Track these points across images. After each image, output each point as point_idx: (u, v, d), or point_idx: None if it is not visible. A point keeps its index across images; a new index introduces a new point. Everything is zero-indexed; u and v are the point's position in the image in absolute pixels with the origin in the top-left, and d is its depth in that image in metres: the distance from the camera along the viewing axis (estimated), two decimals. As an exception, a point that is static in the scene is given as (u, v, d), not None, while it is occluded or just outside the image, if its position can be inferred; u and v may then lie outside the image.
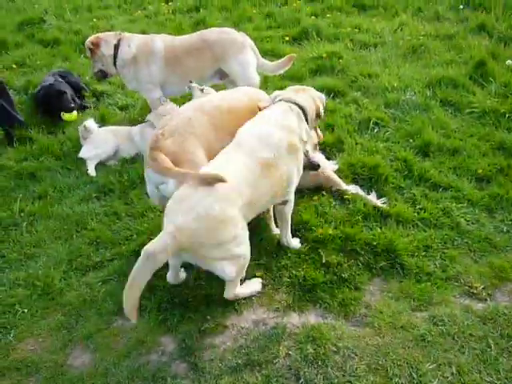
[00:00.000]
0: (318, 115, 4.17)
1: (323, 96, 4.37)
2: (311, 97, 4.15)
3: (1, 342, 3.57)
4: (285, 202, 3.94)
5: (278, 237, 4.17)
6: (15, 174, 5.38)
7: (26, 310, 3.79)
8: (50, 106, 6.29)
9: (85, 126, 5.57)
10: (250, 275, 3.86)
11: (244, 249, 3.49)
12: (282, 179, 3.72)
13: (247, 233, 3.50)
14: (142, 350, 3.43)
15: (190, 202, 3.24)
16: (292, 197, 3.97)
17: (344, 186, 4.68)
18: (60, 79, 6.55)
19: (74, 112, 6.31)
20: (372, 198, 4.54)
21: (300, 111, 3.95)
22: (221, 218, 3.25)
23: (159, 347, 3.45)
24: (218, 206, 3.24)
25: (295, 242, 4.14)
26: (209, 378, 3.21)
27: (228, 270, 3.42)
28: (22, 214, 4.74)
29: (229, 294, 3.62)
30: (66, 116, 6.25)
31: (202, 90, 5.18)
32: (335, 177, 4.71)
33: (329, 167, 4.79)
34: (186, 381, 3.22)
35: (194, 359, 3.33)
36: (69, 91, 6.39)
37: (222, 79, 6.15)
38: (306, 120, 3.99)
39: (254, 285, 3.81)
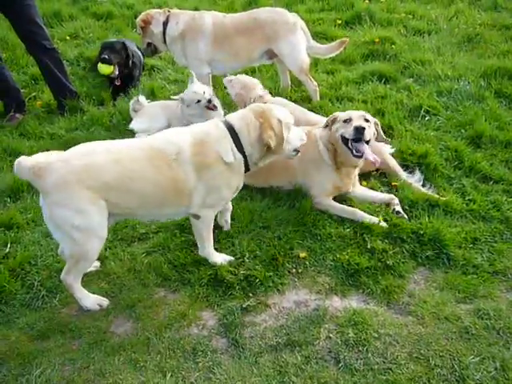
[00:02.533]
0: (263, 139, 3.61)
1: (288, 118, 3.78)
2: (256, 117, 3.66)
3: (47, 305, 3.64)
4: (196, 217, 3.73)
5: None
6: (65, 142, 5.45)
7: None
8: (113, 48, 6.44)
9: (138, 99, 5.63)
10: (294, 256, 3.88)
11: (85, 239, 3.36)
12: (176, 186, 3.50)
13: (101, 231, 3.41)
14: (183, 323, 3.46)
15: None
16: (204, 214, 3.70)
17: (402, 173, 4.61)
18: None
19: (111, 66, 6.33)
20: (426, 189, 4.45)
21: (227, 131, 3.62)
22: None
23: (200, 321, 3.48)
24: None
25: (218, 258, 3.85)
26: (248, 354, 3.23)
27: (63, 243, 3.52)
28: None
29: (62, 274, 3.52)
30: (102, 67, 6.30)
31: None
32: (394, 162, 4.65)
33: (386, 151, 4.71)
34: (226, 356, 3.24)
35: (234, 335, 3.35)
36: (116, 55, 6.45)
37: (272, 59, 6.12)
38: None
39: (93, 300, 3.61)
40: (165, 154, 3.46)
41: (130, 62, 6.55)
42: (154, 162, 3.44)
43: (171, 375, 3.12)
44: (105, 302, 3.61)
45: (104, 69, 6.31)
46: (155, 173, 3.44)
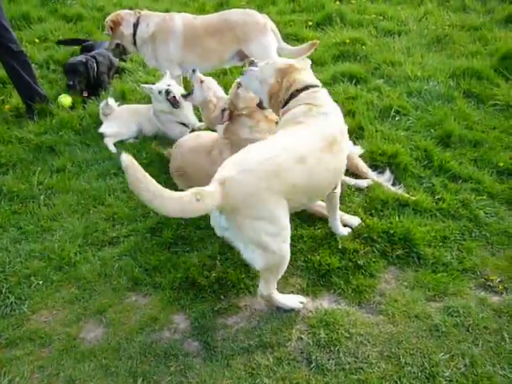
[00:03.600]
0: None
1: None
2: None
3: (15, 312, 3.60)
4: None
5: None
6: (35, 147, 5.41)
7: (40, 282, 3.81)
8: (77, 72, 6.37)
9: (107, 103, 5.58)
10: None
11: (281, 245, 3.22)
12: (341, 169, 3.68)
13: (289, 231, 3.28)
14: (155, 327, 3.44)
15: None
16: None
17: (370, 173, 4.64)
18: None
19: (70, 98, 6.27)
20: (396, 189, 4.48)
21: None
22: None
23: (172, 325, 3.47)
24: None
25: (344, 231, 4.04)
26: (220, 357, 3.22)
27: (257, 258, 3.22)
28: (40, 187, 4.76)
29: (261, 290, 3.40)
30: (61, 100, 6.20)
31: (201, 82, 5.13)
32: (362, 163, 4.68)
33: (355, 152, 4.75)
34: (198, 359, 3.23)
35: (206, 338, 3.34)
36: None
37: (242, 61, 6.12)
38: None
39: (294, 300, 3.56)
40: (336, 139, 3.42)
41: (94, 73, 6.46)
42: (333, 150, 3.37)
43: (143, 379, 3.10)
44: (302, 298, 3.57)
45: (64, 101, 6.20)
46: (334, 161, 3.42)
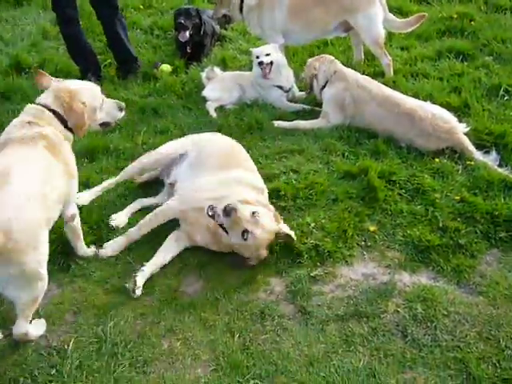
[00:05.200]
0: None
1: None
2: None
3: (121, 261, 3.77)
4: None
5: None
6: (139, 108, 5.61)
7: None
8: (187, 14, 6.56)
9: (212, 68, 5.71)
10: (363, 229, 3.87)
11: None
12: None
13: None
14: (252, 287, 3.52)
15: None
16: None
17: (474, 152, 4.49)
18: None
19: (170, 67, 6.44)
20: (503, 170, 4.30)
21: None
22: None
23: (268, 287, 3.54)
24: None
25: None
26: (315, 321, 3.26)
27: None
28: (145, 147, 4.93)
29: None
30: (162, 67, 6.41)
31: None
32: (466, 140, 4.53)
33: (460, 129, 4.60)
34: (293, 321, 3.29)
35: (301, 302, 3.38)
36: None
37: (346, 32, 6.04)
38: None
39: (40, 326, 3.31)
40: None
41: (202, 30, 6.61)
42: None
43: (239, 336, 3.19)
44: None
45: (165, 69, 6.40)
46: None
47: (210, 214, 3.53)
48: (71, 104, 3.40)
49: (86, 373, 3.00)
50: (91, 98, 3.58)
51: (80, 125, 3.47)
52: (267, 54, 5.38)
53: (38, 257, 3.02)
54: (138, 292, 3.47)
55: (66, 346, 3.17)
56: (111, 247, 3.80)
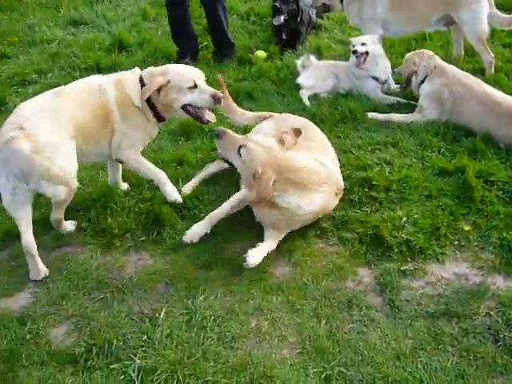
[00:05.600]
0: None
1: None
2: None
3: (212, 239, 3.86)
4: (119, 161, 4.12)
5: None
6: (234, 92, 5.66)
7: (234, 217, 4.04)
8: None
9: (308, 56, 5.73)
10: (457, 228, 3.79)
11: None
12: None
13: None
14: (339, 276, 3.52)
15: None
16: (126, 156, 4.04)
17: None
18: None
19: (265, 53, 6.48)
20: None
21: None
22: None
23: (356, 277, 3.53)
24: None
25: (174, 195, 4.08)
26: (404, 316, 3.22)
27: None
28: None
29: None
30: (257, 53, 6.46)
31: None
32: None
33: None
34: (380, 314, 3.26)
35: (390, 295, 3.35)
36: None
37: (447, 26, 5.88)
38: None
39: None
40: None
41: (299, 17, 6.61)
42: None
43: (326, 322, 3.20)
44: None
45: (260, 55, 6.47)
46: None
47: (220, 157, 3.90)
48: (153, 78, 3.87)
49: (175, 342, 3.10)
50: (177, 78, 3.90)
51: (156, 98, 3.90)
52: (363, 44, 5.33)
53: None
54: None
55: (157, 315, 3.29)
56: (195, 232, 3.83)
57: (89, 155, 3.89)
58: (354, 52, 5.34)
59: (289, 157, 3.68)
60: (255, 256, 3.51)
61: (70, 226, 4.01)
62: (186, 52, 6.35)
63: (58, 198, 3.61)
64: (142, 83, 3.91)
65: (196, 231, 3.83)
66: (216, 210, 3.91)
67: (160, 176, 4.06)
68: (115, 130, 3.89)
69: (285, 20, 6.50)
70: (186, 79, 3.89)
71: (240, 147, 3.59)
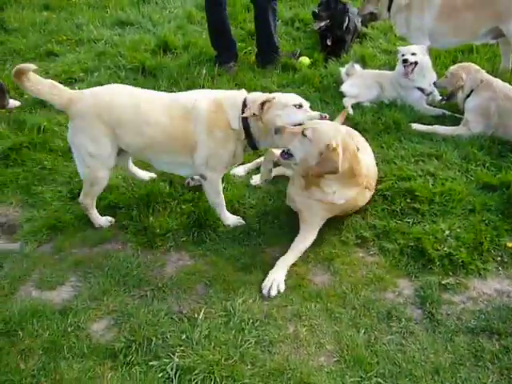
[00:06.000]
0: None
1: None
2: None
3: (251, 242, 3.90)
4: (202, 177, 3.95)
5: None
6: (277, 97, 5.71)
7: (275, 221, 4.07)
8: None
9: (353, 64, 5.72)
10: (500, 244, 3.75)
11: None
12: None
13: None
14: (379, 286, 3.51)
15: None
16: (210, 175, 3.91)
17: None
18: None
19: (309, 60, 6.49)
20: None
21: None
22: None
23: (396, 288, 3.50)
24: None
25: (232, 220, 4.06)
26: (443, 330, 3.19)
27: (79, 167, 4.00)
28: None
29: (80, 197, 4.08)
30: (302, 60, 6.47)
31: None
32: None
33: None
34: (420, 326, 3.23)
35: (430, 309, 3.32)
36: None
37: (496, 39, 5.80)
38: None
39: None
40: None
41: (345, 25, 6.60)
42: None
43: (364, 332, 3.19)
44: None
45: (304, 61, 6.47)
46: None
47: (283, 159, 3.83)
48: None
49: (213, 343, 3.12)
50: (284, 96, 3.84)
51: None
52: (413, 54, 5.30)
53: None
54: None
55: (196, 315, 3.32)
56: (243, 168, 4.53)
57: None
58: (405, 61, 5.29)
59: (353, 143, 3.78)
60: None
61: (104, 221, 4.11)
62: (226, 56, 6.39)
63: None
64: (244, 106, 3.77)
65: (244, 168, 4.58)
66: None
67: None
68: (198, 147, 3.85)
69: (326, 26, 6.50)
70: (293, 98, 3.82)
71: (304, 130, 3.60)
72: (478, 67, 5.11)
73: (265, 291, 3.47)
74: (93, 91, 3.95)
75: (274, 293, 3.45)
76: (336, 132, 3.63)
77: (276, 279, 3.51)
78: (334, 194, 3.73)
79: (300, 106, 3.77)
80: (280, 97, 3.78)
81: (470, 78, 4.97)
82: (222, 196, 4.03)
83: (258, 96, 3.83)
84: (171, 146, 3.83)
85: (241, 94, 3.89)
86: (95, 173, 3.88)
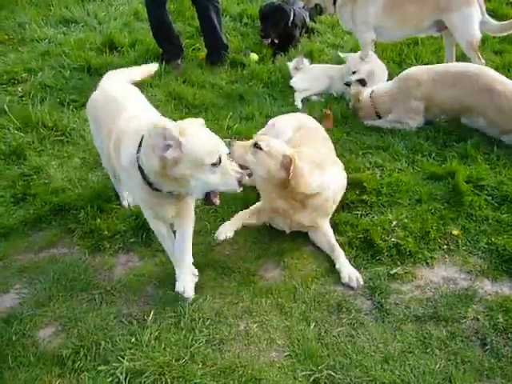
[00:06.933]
0: None
1: None
2: None
3: (203, 240, 3.86)
4: None
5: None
6: (226, 94, 5.70)
7: (224, 218, 4.04)
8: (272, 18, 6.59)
9: (301, 59, 5.75)
10: (446, 232, 3.81)
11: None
12: None
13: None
14: (330, 279, 3.53)
15: None
16: None
17: None
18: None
19: (257, 56, 6.52)
20: None
21: None
22: None
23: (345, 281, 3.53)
24: None
25: None
26: (392, 319, 3.23)
27: None
28: (230, 132, 5.00)
29: None
30: (251, 55, 6.50)
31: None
32: None
33: None
34: (369, 317, 3.26)
35: (379, 299, 3.35)
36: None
37: (440, 31, 5.90)
38: None
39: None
40: None
41: (290, 22, 6.62)
42: None
43: (315, 325, 3.20)
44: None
45: (252, 57, 6.50)
46: None
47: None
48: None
49: (164, 344, 3.08)
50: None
51: None
52: (354, 72, 5.42)
53: None
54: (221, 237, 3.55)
55: (145, 317, 3.27)
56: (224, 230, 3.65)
57: None
58: (347, 84, 5.42)
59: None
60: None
61: None
62: (172, 52, 6.33)
63: None
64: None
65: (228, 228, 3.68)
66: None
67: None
68: None
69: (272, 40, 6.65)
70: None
71: (255, 143, 3.54)
72: None
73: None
74: None
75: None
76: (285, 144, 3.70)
77: None
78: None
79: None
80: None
81: None
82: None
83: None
84: None
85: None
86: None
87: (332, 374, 2.92)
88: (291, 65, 5.89)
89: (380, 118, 5.07)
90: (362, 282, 3.46)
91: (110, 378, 2.93)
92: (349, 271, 3.50)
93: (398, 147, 4.64)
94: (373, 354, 3.04)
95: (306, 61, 5.85)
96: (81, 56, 6.48)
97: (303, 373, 2.94)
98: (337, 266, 3.55)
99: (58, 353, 3.09)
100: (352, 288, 3.44)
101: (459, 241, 3.76)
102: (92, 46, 6.87)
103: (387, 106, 4.99)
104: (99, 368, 2.97)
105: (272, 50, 6.60)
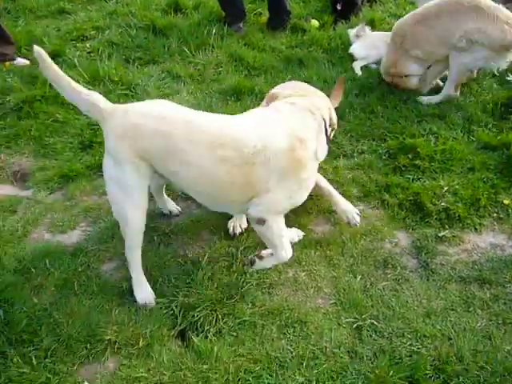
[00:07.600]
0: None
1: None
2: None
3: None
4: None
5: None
6: (285, 57, 5.79)
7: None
8: None
9: (363, 26, 5.76)
10: (497, 201, 3.85)
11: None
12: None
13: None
14: (378, 236, 3.63)
15: None
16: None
17: None
18: None
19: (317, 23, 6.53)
20: None
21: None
22: None
23: (393, 239, 3.63)
24: None
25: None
26: (437, 278, 3.33)
27: None
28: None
29: None
30: (312, 22, 6.53)
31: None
32: None
33: None
34: (415, 274, 3.37)
35: (425, 258, 3.46)
36: None
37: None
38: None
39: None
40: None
41: None
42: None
43: (361, 278, 3.34)
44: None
45: (312, 23, 6.53)
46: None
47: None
48: None
49: (216, 284, 3.28)
50: None
51: None
52: None
53: None
54: None
55: (200, 259, 3.48)
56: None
57: None
58: None
59: None
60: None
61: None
62: (235, 15, 6.44)
63: None
64: None
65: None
66: None
67: None
68: None
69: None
70: None
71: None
72: None
73: None
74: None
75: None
76: None
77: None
78: None
79: None
80: None
81: None
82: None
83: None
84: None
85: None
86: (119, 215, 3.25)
87: (375, 323, 3.06)
88: (352, 32, 5.90)
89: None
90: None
91: (166, 311, 3.15)
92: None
93: (454, 116, 4.65)
94: (416, 308, 3.15)
95: (367, 29, 5.86)
96: (146, 16, 6.66)
97: (347, 320, 3.09)
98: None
99: (118, 285, 3.33)
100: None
101: (510, 210, 3.79)
102: (157, 6, 7.04)
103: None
104: (156, 300, 3.20)
105: (333, 17, 6.61)
